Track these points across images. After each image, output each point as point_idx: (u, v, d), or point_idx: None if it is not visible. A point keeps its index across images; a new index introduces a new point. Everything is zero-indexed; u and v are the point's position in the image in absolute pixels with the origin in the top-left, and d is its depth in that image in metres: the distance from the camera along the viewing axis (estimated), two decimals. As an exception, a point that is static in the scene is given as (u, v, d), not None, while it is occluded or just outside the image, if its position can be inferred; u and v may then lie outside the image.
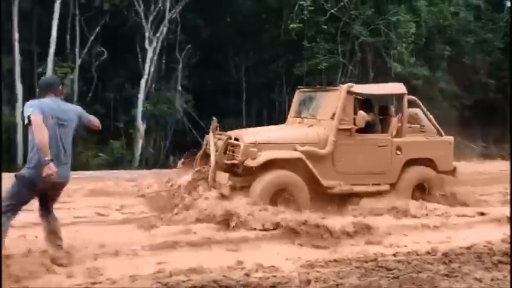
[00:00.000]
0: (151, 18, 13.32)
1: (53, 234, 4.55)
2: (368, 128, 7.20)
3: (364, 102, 7.47)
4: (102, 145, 12.96)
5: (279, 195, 6.41)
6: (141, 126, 13.39)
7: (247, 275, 4.43)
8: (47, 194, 4.52)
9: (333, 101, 7.06)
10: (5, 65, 12.11)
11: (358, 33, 13.80)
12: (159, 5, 13.30)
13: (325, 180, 6.71)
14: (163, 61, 14.21)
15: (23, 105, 12.47)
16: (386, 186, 7.15)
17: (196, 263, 4.60)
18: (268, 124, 11.14)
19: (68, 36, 12.96)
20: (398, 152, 7.25)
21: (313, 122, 7.22)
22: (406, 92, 7.47)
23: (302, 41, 13.88)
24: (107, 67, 13.72)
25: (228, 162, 6.63)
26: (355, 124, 6.88)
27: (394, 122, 7.42)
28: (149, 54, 13.33)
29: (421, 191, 7.35)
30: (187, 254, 4.99)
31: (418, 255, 5.16)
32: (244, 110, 15.40)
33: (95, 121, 4.78)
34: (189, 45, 14.25)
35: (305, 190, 6.50)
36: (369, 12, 13.88)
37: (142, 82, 13.34)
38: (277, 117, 13.68)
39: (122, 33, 13.54)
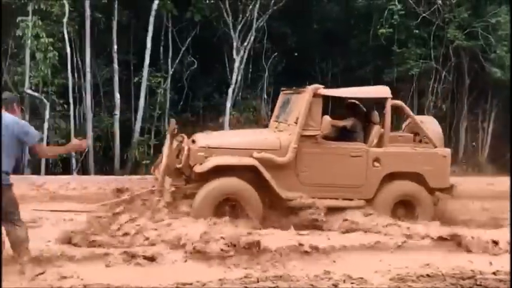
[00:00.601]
0: (239, 27, 13.60)
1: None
2: (348, 135, 6.58)
3: (350, 107, 6.95)
4: (191, 151, 13.40)
5: (226, 205, 5.91)
6: (228, 133, 13.69)
7: (335, 285, 4.33)
8: None
9: (300, 104, 6.44)
10: (105, 75, 12.98)
11: (453, 37, 13.06)
12: (247, 15, 13.56)
13: (284, 192, 6.08)
14: (250, 70, 14.43)
15: (120, 113, 13.16)
16: (361, 201, 6.32)
17: (283, 271, 4.57)
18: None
19: (161, 47, 13.61)
20: (377, 164, 6.39)
21: (285, 127, 6.66)
22: (390, 96, 6.54)
23: (392, 46, 13.43)
24: (197, 76, 14.23)
25: (178, 166, 6.16)
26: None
27: (376, 129, 6.55)
28: (236, 64, 13.60)
29: (407, 209, 6.47)
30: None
31: (523, 275, 4.73)
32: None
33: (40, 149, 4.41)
34: (275, 53, 14.36)
35: (256, 200, 5.92)
36: (465, 14, 13.12)
37: (230, 91, 13.61)
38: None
39: (211, 43, 13.96)
